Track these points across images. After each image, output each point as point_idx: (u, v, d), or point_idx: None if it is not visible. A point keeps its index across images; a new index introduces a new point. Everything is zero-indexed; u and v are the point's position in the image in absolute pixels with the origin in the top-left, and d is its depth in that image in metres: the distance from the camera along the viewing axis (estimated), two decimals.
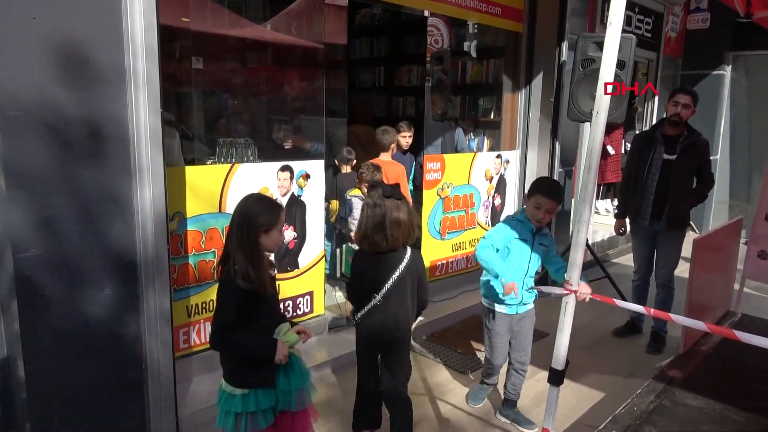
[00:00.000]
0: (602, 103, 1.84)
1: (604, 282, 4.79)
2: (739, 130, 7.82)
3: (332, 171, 4.74)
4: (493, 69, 5.69)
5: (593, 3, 5.57)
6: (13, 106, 2.18)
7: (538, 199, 2.74)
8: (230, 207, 3.36)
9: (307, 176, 3.75)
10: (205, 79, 4.52)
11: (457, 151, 5.35)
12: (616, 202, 7.78)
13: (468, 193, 5.02)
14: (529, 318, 3.05)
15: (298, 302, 3.84)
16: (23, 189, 2.25)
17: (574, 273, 1.91)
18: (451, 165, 4.79)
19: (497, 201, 5.33)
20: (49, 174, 2.30)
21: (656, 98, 7.45)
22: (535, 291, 2.85)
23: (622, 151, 6.93)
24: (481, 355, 3.92)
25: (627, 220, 4.27)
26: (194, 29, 4.20)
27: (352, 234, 3.95)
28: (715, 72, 7.58)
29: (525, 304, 2.98)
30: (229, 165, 3.40)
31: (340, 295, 4.45)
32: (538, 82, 5.28)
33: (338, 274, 4.68)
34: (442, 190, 4.77)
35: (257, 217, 2.08)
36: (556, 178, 5.32)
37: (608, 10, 1.82)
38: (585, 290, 2.17)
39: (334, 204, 4.60)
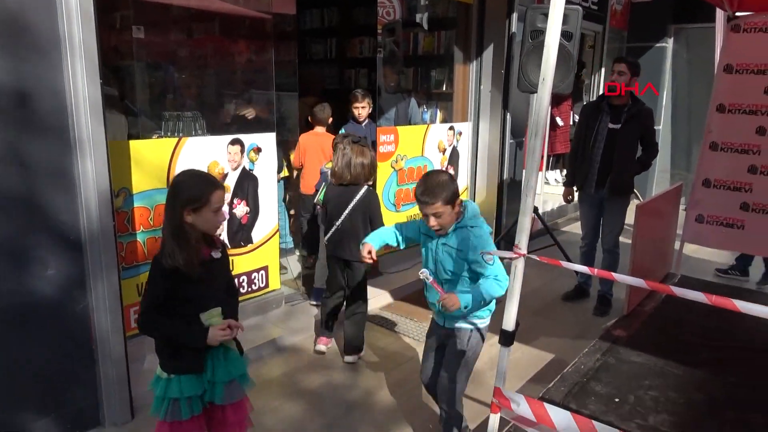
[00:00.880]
0: (548, 70, 1.88)
1: (553, 249, 4.95)
2: (680, 101, 8.12)
3: (282, 146, 4.66)
4: (444, 40, 5.68)
5: None
6: None
7: (418, 205, 2.30)
8: None
9: (258, 150, 3.68)
10: (148, 50, 4.33)
11: (410, 123, 5.35)
12: (565, 172, 8.01)
13: (422, 165, 5.05)
14: (456, 341, 2.40)
15: (252, 277, 3.81)
16: None
17: (522, 237, 1.96)
18: (404, 137, 4.80)
19: (450, 171, 5.39)
20: None
21: (602, 70, 7.64)
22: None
23: (571, 123, 7.10)
24: None
25: (575, 188, 4.40)
26: None
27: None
28: (658, 44, 7.81)
29: (452, 319, 2.40)
30: (177, 139, 3.30)
31: (296, 268, 4.43)
32: (488, 53, 5.32)
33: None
34: (396, 162, 4.78)
35: (182, 192, 1.90)
36: (507, 149, 5.41)
37: None
38: (450, 303, 2.13)
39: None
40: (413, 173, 4.98)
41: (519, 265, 1.97)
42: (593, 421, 1.86)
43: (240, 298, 3.68)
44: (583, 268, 2.07)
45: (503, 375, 2.05)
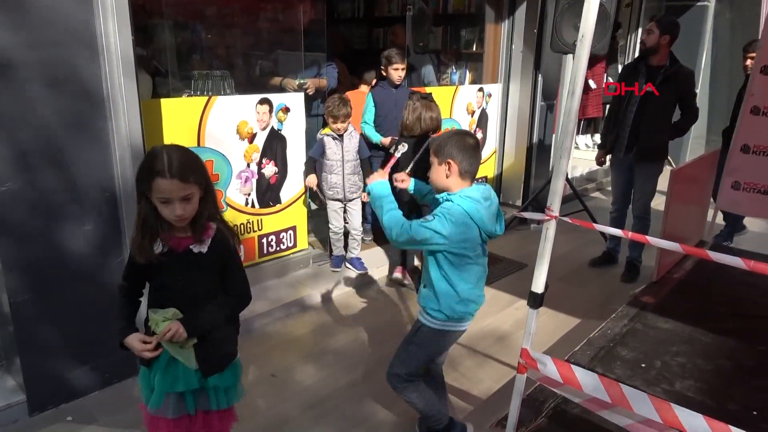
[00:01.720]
0: (587, 28, 1.81)
1: (582, 214, 4.88)
2: (720, 64, 7.79)
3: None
4: None
5: None
6: None
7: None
8: (209, 141, 3.31)
9: (287, 110, 3.68)
10: (176, 9, 4.31)
11: (425, 86, 5.24)
12: (596, 138, 7.82)
13: (450, 127, 4.98)
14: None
15: (281, 237, 3.86)
16: None
17: (555, 200, 1.93)
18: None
19: (479, 135, 5.32)
20: (20, 106, 2.22)
21: (639, 31, 7.35)
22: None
23: (603, 85, 6.90)
24: None
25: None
26: None
27: (323, 179, 3.82)
28: (699, 3, 7.46)
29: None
30: (206, 98, 3.31)
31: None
32: (521, 12, 5.16)
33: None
34: None
35: (138, 170, 1.64)
36: (537, 111, 5.30)
37: None
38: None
39: None
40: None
41: (551, 228, 1.95)
42: (621, 384, 1.87)
43: (268, 258, 3.79)
44: (616, 231, 2.04)
45: (531, 336, 2.06)
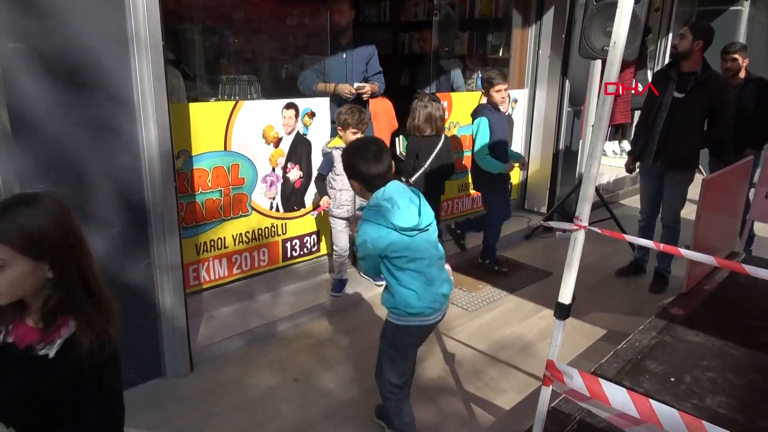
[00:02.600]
0: (620, 33, 1.77)
1: (609, 223, 4.80)
2: (754, 70, 7.59)
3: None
4: (503, 3, 5.48)
5: None
6: (14, 38, 2.12)
7: None
8: (235, 145, 3.34)
9: (312, 114, 3.69)
10: (204, 14, 4.37)
11: (453, 91, 5.22)
12: (624, 144, 7.69)
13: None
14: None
15: (305, 241, 3.87)
16: (27, 126, 2.22)
17: (584, 209, 1.89)
18: (458, 104, 4.70)
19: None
20: (52, 110, 2.27)
21: (670, 36, 7.21)
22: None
23: (633, 91, 6.78)
24: (485, 293, 3.99)
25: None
26: None
27: (330, 195, 3.54)
28: (732, 8, 7.29)
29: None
30: (233, 102, 3.34)
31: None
32: (549, 17, 5.11)
33: None
34: (449, 129, 4.70)
35: None
36: (564, 117, 5.24)
37: None
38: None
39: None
40: (466, 141, 4.89)
41: (579, 238, 1.91)
42: (650, 400, 1.81)
43: (291, 262, 3.81)
44: (647, 242, 1.98)
45: (557, 348, 2.02)
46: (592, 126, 4.99)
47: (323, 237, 3.98)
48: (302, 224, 3.83)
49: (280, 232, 3.70)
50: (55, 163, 2.31)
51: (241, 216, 3.46)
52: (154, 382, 2.81)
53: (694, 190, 3.92)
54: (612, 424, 1.99)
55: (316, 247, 3.96)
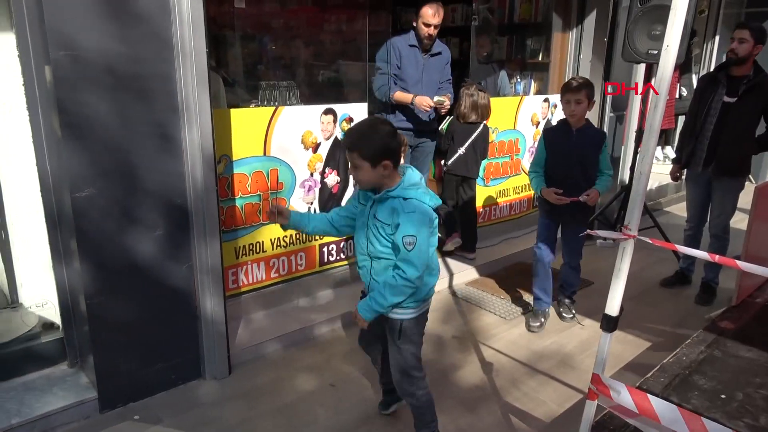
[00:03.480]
0: (673, 35, 1.71)
1: (652, 232, 4.65)
2: None
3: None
4: (543, 7, 5.39)
5: None
6: (66, 46, 2.18)
7: None
8: (274, 150, 3.36)
9: (350, 120, 3.70)
10: (245, 20, 4.43)
11: (499, 95, 5.17)
12: (667, 150, 7.47)
13: (513, 139, 4.88)
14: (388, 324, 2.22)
15: (341, 247, 3.87)
16: (77, 130, 2.28)
17: (633, 218, 1.83)
18: (496, 109, 4.63)
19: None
20: (101, 114, 2.32)
21: (716, 39, 6.98)
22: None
23: (677, 96, 6.59)
24: (523, 301, 3.91)
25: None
26: None
27: None
28: None
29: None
30: (273, 108, 3.37)
31: None
32: (591, 20, 5.00)
33: None
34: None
35: None
36: (606, 122, 5.12)
37: None
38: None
39: None
40: (504, 147, 4.82)
41: (628, 248, 1.85)
42: (702, 418, 1.73)
43: (328, 267, 3.81)
44: (701, 254, 1.90)
45: (603, 362, 1.95)
46: (636, 132, 4.87)
47: None
48: None
49: (317, 237, 3.71)
50: (103, 167, 2.37)
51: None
52: (194, 383, 2.85)
53: (743, 198, 3.77)
54: None
55: (352, 252, 3.96)
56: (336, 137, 3.65)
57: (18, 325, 2.88)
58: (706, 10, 6.91)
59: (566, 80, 3.60)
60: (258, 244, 3.41)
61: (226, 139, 3.12)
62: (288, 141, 3.41)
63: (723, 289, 3.92)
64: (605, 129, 5.11)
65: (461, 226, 4.44)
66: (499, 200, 4.96)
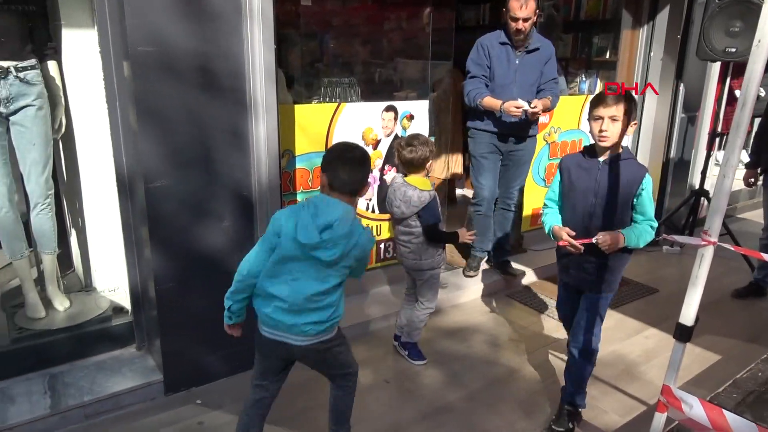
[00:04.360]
0: (766, 31, 1.61)
1: (725, 239, 4.41)
2: None
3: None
4: (612, 3, 5.21)
5: None
6: (144, 42, 2.27)
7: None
8: None
9: (411, 117, 3.69)
10: (308, 20, 4.50)
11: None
12: (741, 154, 7.07)
13: (576, 139, 4.74)
14: None
15: (388, 245, 3.86)
16: (152, 123, 2.37)
17: (714, 222, 1.74)
18: (559, 108, 4.50)
19: None
20: (175, 108, 2.41)
21: None
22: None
23: (757, 96, 6.22)
24: None
25: (759, 170, 3.86)
26: None
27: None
28: None
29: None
30: (336, 104, 3.40)
31: None
32: (663, 16, 4.79)
33: None
34: (549, 135, 4.53)
35: None
36: (677, 124, 4.90)
37: None
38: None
39: None
40: (566, 147, 4.69)
41: (707, 255, 1.76)
42: None
43: (385, 263, 3.82)
44: None
45: (675, 373, 1.87)
46: (709, 134, 4.64)
47: None
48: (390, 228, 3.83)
49: (375, 233, 3.73)
50: (177, 159, 2.45)
51: None
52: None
53: None
54: None
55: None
56: (396, 134, 3.65)
57: (91, 307, 3.04)
58: None
59: (628, 82, 3.30)
60: None
61: (289, 135, 3.17)
62: (349, 137, 3.44)
63: None
64: (675, 130, 4.89)
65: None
66: None
